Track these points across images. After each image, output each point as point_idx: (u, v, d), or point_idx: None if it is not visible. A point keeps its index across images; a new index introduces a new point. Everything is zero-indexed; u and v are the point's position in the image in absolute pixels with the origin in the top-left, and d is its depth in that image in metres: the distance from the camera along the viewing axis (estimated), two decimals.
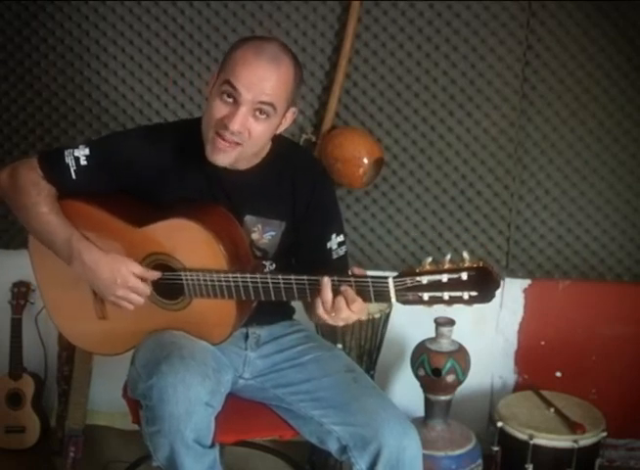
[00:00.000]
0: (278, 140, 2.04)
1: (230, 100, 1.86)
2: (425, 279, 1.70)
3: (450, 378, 2.58)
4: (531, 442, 2.53)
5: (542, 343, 2.92)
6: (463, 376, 2.61)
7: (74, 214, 2.01)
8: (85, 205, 2.02)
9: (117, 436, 2.97)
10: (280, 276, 1.84)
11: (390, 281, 1.74)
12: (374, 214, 2.81)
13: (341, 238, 2.08)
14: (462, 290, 1.68)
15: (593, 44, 2.64)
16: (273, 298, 1.87)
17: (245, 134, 1.88)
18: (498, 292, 2.75)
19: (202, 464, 1.89)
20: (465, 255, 1.69)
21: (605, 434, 2.58)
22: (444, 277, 1.68)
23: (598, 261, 2.79)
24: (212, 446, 1.91)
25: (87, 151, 2.00)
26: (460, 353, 2.62)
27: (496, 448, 2.62)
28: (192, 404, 1.80)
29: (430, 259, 1.72)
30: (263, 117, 1.88)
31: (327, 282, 1.79)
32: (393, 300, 1.74)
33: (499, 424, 2.62)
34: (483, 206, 2.77)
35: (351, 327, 2.58)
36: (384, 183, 2.77)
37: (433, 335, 2.63)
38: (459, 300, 1.69)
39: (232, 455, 2.47)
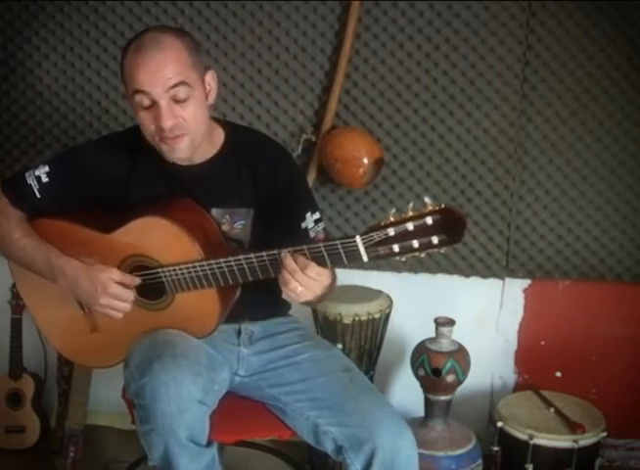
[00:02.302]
0: (232, 128, 2.05)
1: (148, 103, 1.88)
2: (392, 231, 1.69)
3: (450, 378, 2.58)
4: (531, 442, 2.52)
5: (542, 343, 2.91)
6: (463, 376, 2.61)
7: (46, 233, 2.03)
8: (55, 221, 2.04)
9: (117, 436, 2.98)
10: (252, 254, 1.83)
11: (358, 239, 1.72)
12: (374, 214, 2.80)
13: (317, 215, 2.06)
14: (430, 235, 1.67)
15: (593, 44, 2.63)
16: (250, 278, 1.86)
17: (182, 123, 1.90)
18: (498, 291, 2.86)
19: (198, 464, 1.89)
20: (427, 200, 1.69)
21: (605, 434, 2.58)
22: (410, 225, 1.68)
23: (598, 261, 2.79)
24: (209, 445, 1.91)
25: (47, 168, 2.03)
26: (460, 353, 2.61)
27: (496, 448, 2.62)
28: (184, 402, 1.81)
29: (393, 211, 1.71)
30: (184, 98, 1.89)
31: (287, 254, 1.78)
32: (365, 258, 1.72)
33: (499, 424, 2.61)
34: (483, 206, 2.77)
35: (351, 327, 2.59)
36: (384, 183, 2.77)
37: (433, 335, 2.63)
38: (429, 245, 1.68)
39: (232, 455, 2.48)
